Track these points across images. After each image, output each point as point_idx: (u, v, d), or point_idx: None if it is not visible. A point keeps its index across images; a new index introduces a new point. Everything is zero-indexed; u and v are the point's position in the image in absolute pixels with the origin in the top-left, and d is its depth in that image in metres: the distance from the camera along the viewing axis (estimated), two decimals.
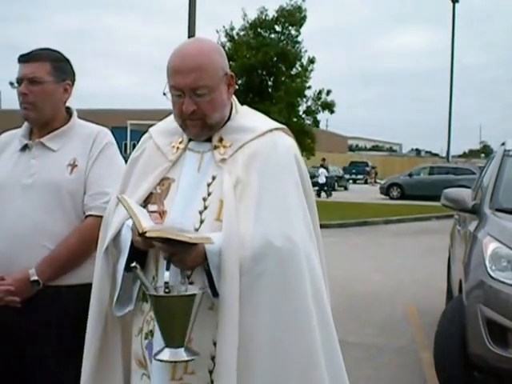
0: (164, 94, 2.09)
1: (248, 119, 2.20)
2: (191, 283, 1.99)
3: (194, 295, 1.89)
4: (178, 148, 2.18)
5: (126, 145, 42.47)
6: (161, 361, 1.92)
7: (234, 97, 2.21)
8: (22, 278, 2.61)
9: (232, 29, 24.84)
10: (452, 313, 4.81)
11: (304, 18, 24.55)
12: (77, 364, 2.26)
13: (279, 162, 2.10)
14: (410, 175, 30.95)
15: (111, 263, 2.17)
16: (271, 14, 24.70)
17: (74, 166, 2.73)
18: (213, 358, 1.98)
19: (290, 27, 24.60)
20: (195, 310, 1.89)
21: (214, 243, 1.93)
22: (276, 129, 2.19)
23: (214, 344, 1.97)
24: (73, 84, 2.85)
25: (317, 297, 2.03)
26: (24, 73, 2.71)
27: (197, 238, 1.93)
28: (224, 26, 24.82)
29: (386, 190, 30.73)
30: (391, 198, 29.67)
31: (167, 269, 1.93)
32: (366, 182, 50.30)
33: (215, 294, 1.98)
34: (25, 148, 2.79)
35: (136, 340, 2.14)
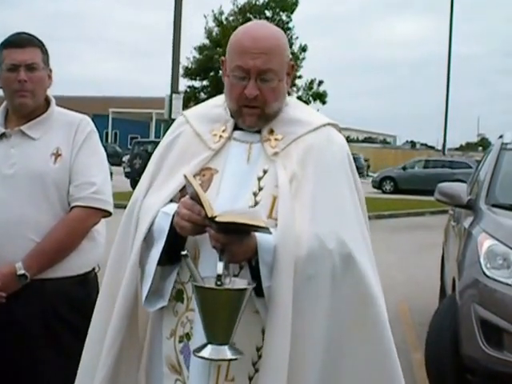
0: (227, 75, 2.00)
1: (299, 112, 2.11)
2: (235, 276, 1.90)
3: (245, 289, 1.80)
4: (220, 136, 2.05)
5: (107, 133, 42.10)
6: (202, 358, 1.81)
7: None
8: (9, 272, 2.55)
9: (221, 13, 24.63)
10: (445, 312, 4.74)
11: (296, 4, 24.40)
12: (63, 356, 2.26)
13: (334, 159, 2.03)
14: (404, 168, 30.84)
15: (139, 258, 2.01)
16: None
17: (57, 155, 2.67)
18: (254, 364, 1.92)
19: (281, 13, 24.43)
20: (243, 306, 1.81)
21: (271, 233, 1.84)
22: (329, 124, 2.12)
23: (257, 349, 1.90)
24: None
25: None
26: (22, 59, 2.65)
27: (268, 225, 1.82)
28: (213, 11, 24.61)
29: (378, 184, 30.59)
30: (384, 192, 29.51)
31: (220, 260, 1.81)
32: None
33: (258, 293, 1.87)
34: (1, 136, 2.71)
35: (168, 343, 2.00)
